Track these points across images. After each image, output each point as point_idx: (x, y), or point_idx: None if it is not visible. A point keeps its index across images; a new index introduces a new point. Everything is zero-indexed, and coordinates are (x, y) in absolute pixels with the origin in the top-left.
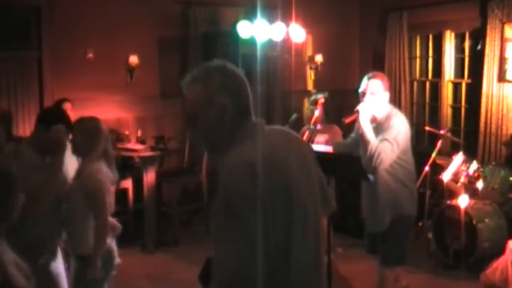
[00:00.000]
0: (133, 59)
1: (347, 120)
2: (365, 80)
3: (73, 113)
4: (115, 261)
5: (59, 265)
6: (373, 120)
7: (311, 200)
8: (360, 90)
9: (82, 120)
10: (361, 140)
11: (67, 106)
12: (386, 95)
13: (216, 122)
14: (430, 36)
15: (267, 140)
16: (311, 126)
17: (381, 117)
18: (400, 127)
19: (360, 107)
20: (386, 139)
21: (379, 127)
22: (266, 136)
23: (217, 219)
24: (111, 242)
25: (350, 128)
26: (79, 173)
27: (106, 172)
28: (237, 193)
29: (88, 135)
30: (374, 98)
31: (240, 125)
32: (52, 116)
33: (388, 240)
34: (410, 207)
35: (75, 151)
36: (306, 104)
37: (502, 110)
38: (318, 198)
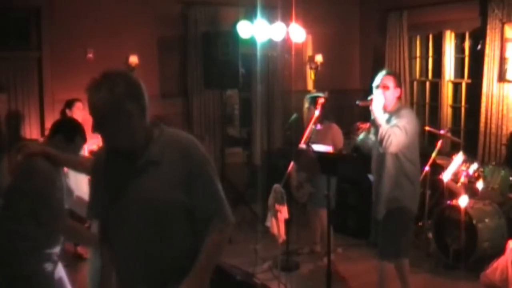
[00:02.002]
0: (133, 59)
1: (361, 103)
2: (380, 75)
3: (85, 112)
4: None
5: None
6: (384, 109)
7: None
8: (374, 84)
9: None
10: (373, 126)
11: (78, 106)
12: (398, 91)
13: (123, 126)
14: (430, 36)
15: (177, 132)
16: (313, 127)
17: (391, 110)
18: (410, 118)
19: (373, 96)
20: (396, 125)
21: (390, 118)
22: (173, 130)
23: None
24: None
25: (350, 128)
26: None
27: None
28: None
29: None
30: (386, 91)
31: (143, 127)
32: (73, 127)
33: (386, 233)
34: (412, 202)
35: None
36: (306, 104)
37: (502, 110)
38: None
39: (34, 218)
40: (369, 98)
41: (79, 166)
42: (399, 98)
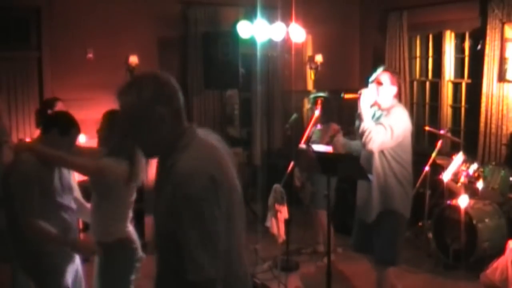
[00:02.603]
0: (133, 59)
1: (346, 96)
2: (377, 71)
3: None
4: (138, 253)
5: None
6: (378, 106)
7: (241, 194)
8: (370, 79)
9: (111, 113)
10: (358, 119)
11: (59, 106)
12: (393, 89)
13: (153, 131)
14: (430, 36)
15: (207, 142)
16: (314, 127)
17: (384, 107)
18: (399, 118)
19: (363, 90)
20: (381, 123)
21: (380, 116)
22: (203, 139)
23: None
24: (131, 233)
25: (350, 128)
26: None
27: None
28: (200, 199)
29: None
30: (380, 88)
31: (176, 131)
32: (67, 120)
33: (381, 238)
34: (403, 206)
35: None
36: (306, 104)
37: (502, 110)
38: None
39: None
40: (359, 91)
41: (69, 163)
42: (395, 96)
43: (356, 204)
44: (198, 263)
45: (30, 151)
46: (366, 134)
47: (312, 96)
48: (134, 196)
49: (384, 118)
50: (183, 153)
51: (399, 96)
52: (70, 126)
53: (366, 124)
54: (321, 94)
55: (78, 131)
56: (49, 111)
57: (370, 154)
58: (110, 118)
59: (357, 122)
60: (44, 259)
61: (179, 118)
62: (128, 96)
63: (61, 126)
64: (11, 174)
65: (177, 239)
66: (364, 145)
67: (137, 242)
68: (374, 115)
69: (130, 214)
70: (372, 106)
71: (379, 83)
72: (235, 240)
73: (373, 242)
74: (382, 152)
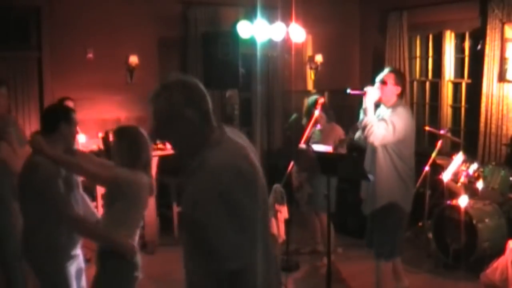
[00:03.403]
0: (133, 59)
1: (352, 92)
2: (385, 71)
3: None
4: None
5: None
6: (383, 104)
7: (266, 189)
8: (377, 79)
9: (123, 129)
10: (363, 114)
11: (69, 105)
12: (397, 88)
13: (184, 133)
14: (430, 36)
15: (235, 140)
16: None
17: (390, 106)
18: (401, 115)
19: (368, 88)
20: (384, 119)
21: (385, 114)
22: (231, 137)
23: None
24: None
25: (350, 128)
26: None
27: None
28: (232, 192)
29: (130, 145)
30: (384, 87)
31: (205, 132)
32: (52, 115)
33: (380, 231)
34: (404, 201)
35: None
36: (305, 105)
37: (502, 110)
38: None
39: (43, 214)
40: (364, 89)
41: (84, 171)
42: (399, 95)
43: (357, 207)
44: (236, 250)
45: (46, 156)
46: (368, 127)
47: (310, 99)
48: (146, 208)
49: (387, 115)
50: (213, 150)
51: (402, 96)
52: (57, 121)
53: (369, 118)
54: (317, 96)
55: (70, 124)
56: None
57: (374, 150)
58: (120, 133)
59: (361, 116)
60: (50, 259)
61: (208, 120)
62: (159, 101)
63: (47, 125)
64: (32, 174)
65: (209, 232)
66: (366, 137)
67: (139, 256)
68: (379, 115)
69: (140, 225)
70: (376, 103)
71: (384, 83)
72: (266, 231)
73: (374, 235)
74: (385, 147)
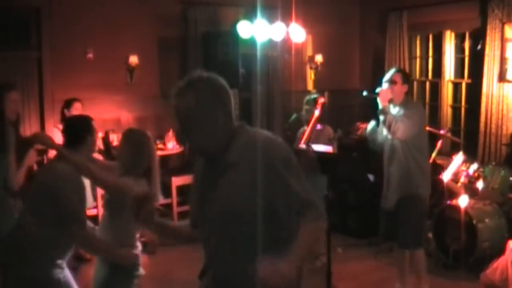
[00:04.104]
0: (133, 59)
1: (369, 95)
2: (390, 72)
3: (84, 112)
4: (139, 269)
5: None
6: (390, 100)
7: None
8: (384, 79)
9: (130, 131)
10: (381, 114)
11: (76, 106)
12: (405, 87)
13: (209, 131)
14: (430, 36)
15: (257, 130)
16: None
17: (397, 103)
18: (417, 108)
19: (380, 89)
20: (404, 115)
21: (399, 111)
22: (253, 129)
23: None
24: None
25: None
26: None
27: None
28: (292, 158)
29: (133, 149)
30: (394, 86)
31: (228, 131)
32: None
33: (406, 223)
34: (424, 189)
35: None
36: (306, 106)
37: (502, 110)
38: None
39: (51, 221)
40: (376, 90)
41: (93, 176)
42: (406, 93)
43: (357, 207)
44: (320, 209)
45: (65, 159)
46: (393, 124)
47: (307, 98)
48: None
49: (404, 110)
50: (244, 138)
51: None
52: (85, 134)
53: (391, 116)
54: (315, 95)
55: (93, 135)
56: (65, 111)
57: (393, 145)
58: (128, 136)
59: (381, 117)
60: (31, 269)
61: (231, 119)
62: (185, 99)
63: (74, 137)
64: (52, 180)
65: (266, 210)
66: (393, 134)
67: (140, 259)
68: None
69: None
70: (388, 102)
71: (394, 82)
72: None
73: (398, 227)
74: (405, 141)
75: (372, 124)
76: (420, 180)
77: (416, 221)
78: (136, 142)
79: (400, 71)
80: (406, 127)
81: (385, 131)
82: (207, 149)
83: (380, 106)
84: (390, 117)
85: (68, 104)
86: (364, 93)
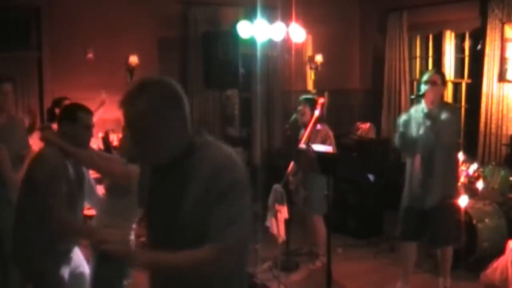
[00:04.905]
0: (133, 59)
1: (416, 97)
2: (430, 72)
3: None
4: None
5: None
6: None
7: None
8: (425, 80)
9: None
10: (428, 118)
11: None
12: (443, 88)
13: (161, 137)
14: (430, 36)
15: (216, 143)
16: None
17: (434, 105)
18: (458, 113)
19: (426, 91)
20: (448, 119)
21: (439, 112)
22: (212, 141)
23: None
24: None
25: (350, 128)
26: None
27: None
28: (243, 184)
29: None
30: (435, 88)
31: (184, 136)
32: (70, 106)
33: (447, 221)
34: (456, 191)
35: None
36: (300, 106)
37: (502, 110)
38: None
39: (39, 211)
40: (421, 92)
41: (87, 160)
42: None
43: (357, 207)
44: (221, 250)
45: (61, 149)
46: (441, 128)
47: (302, 98)
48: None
49: (445, 115)
50: (207, 150)
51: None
52: (75, 111)
53: (439, 121)
54: (309, 96)
55: (86, 113)
56: (57, 110)
57: (433, 147)
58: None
59: (427, 122)
60: (37, 262)
61: (185, 125)
62: (135, 104)
63: (67, 115)
64: (37, 166)
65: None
66: (439, 138)
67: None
68: (422, 110)
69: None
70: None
71: (434, 83)
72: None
73: (431, 227)
74: (446, 145)
75: (403, 117)
76: (455, 182)
77: (453, 220)
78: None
79: (439, 72)
80: (452, 133)
81: (422, 131)
82: (159, 158)
83: (426, 110)
84: (437, 123)
85: (58, 103)
86: (412, 96)
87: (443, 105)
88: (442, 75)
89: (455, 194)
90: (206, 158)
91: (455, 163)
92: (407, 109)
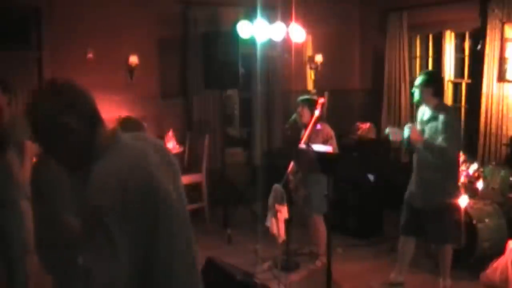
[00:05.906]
0: (133, 59)
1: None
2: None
3: None
4: None
5: None
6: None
7: (181, 203)
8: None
9: (126, 119)
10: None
11: None
12: (431, 88)
13: (65, 144)
14: (430, 36)
15: (130, 147)
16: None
17: (433, 104)
18: (451, 113)
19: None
20: (445, 121)
21: (439, 117)
22: (127, 143)
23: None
24: None
25: (350, 128)
26: None
27: None
28: (110, 210)
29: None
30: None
31: (93, 139)
32: None
33: (450, 219)
34: (458, 185)
35: None
36: (299, 107)
37: (502, 110)
38: (186, 202)
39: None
40: (416, 98)
41: None
42: (436, 96)
43: (357, 207)
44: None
45: None
46: (436, 149)
47: (300, 99)
48: None
49: (444, 115)
50: (97, 161)
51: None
52: None
53: (440, 122)
54: (307, 97)
55: None
56: None
57: (444, 149)
58: (124, 124)
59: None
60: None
61: (93, 124)
62: (35, 106)
63: None
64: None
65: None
66: (445, 140)
67: None
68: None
69: None
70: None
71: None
72: (170, 255)
73: (428, 225)
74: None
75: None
76: (456, 180)
77: (453, 218)
78: (132, 130)
79: (425, 73)
80: (450, 145)
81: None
82: (72, 162)
83: (426, 111)
84: (428, 144)
85: None
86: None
87: (440, 108)
88: (428, 75)
89: (455, 194)
90: (93, 171)
91: (455, 162)
92: (407, 109)
